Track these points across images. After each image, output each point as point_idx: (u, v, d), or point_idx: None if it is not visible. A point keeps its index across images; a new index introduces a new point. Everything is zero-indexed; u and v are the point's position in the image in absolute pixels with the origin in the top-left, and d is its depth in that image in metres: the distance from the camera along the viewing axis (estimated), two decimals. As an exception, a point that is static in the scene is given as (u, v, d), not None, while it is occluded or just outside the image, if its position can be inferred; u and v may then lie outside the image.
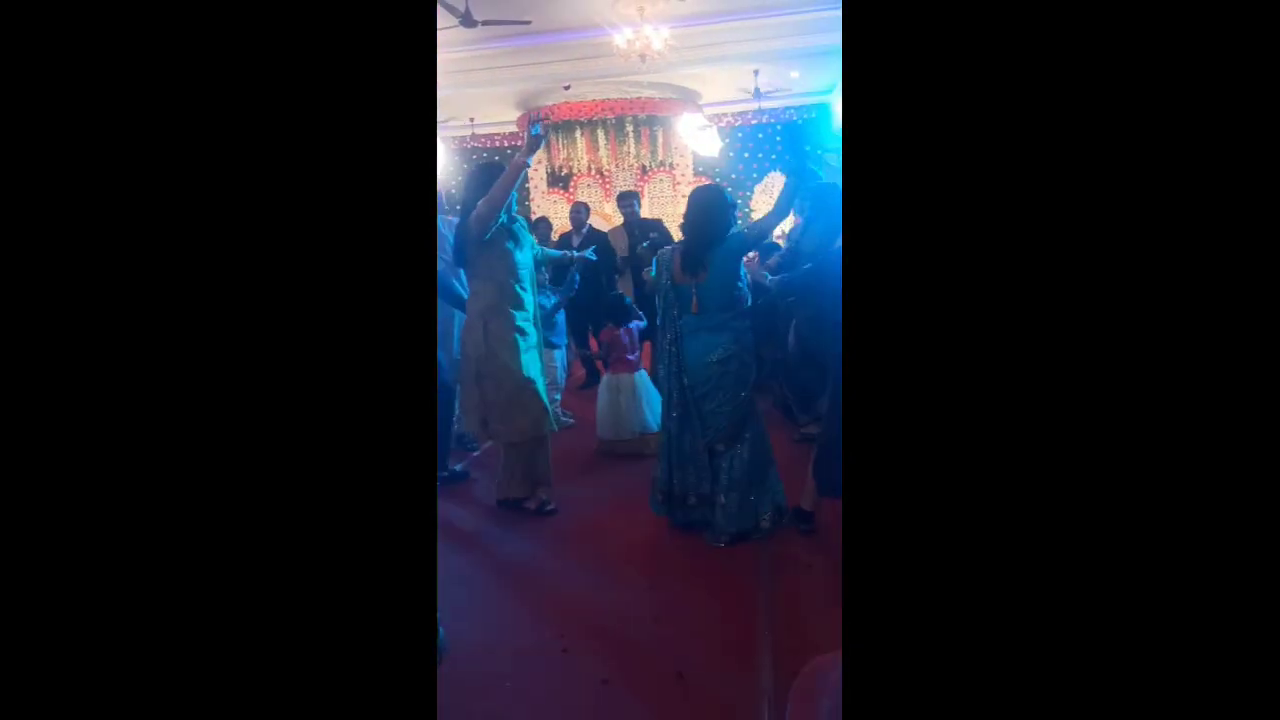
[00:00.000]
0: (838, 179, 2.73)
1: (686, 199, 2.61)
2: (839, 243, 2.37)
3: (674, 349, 2.53)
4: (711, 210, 2.49)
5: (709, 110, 9.40)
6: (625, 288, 4.63)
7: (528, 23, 5.79)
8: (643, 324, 3.85)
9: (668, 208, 9.44)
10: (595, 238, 4.80)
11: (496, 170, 2.71)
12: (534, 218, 5.42)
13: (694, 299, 2.47)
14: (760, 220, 2.55)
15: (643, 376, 3.77)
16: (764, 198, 9.83)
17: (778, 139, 10.29)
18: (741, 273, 2.56)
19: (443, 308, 3.00)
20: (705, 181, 9.58)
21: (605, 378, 3.85)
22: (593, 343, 4.22)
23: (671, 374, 2.55)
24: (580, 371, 5.22)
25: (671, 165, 9.61)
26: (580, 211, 5.11)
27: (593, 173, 9.64)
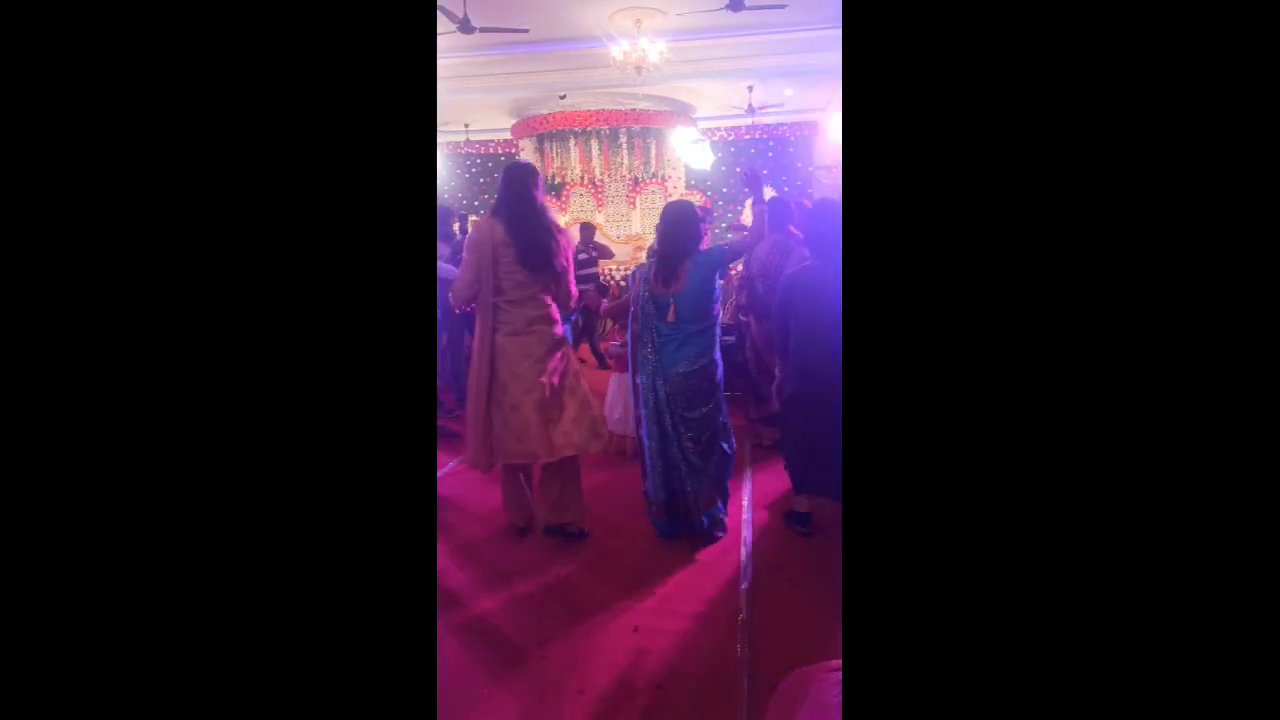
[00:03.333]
0: (830, 194, 2.83)
1: (664, 208, 2.72)
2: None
3: (653, 358, 2.60)
4: (683, 223, 2.59)
5: (702, 124, 9.47)
6: None
7: (525, 31, 5.81)
8: None
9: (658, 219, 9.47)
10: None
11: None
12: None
13: (671, 307, 2.55)
14: (738, 242, 2.65)
15: None
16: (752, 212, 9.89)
17: (769, 154, 10.38)
18: (715, 286, 2.64)
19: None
20: (698, 194, 9.68)
21: (616, 377, 3.86)
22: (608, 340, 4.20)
23: (651, 383, 2.61)
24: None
25: (664, 177, 9.65)
26: (587, 230, 5.15)
27: (585, 182, 9.67)
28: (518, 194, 2.50)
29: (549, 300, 2.57)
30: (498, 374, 2.52)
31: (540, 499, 2.73)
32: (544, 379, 2.52)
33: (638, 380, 2.65)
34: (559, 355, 2.59)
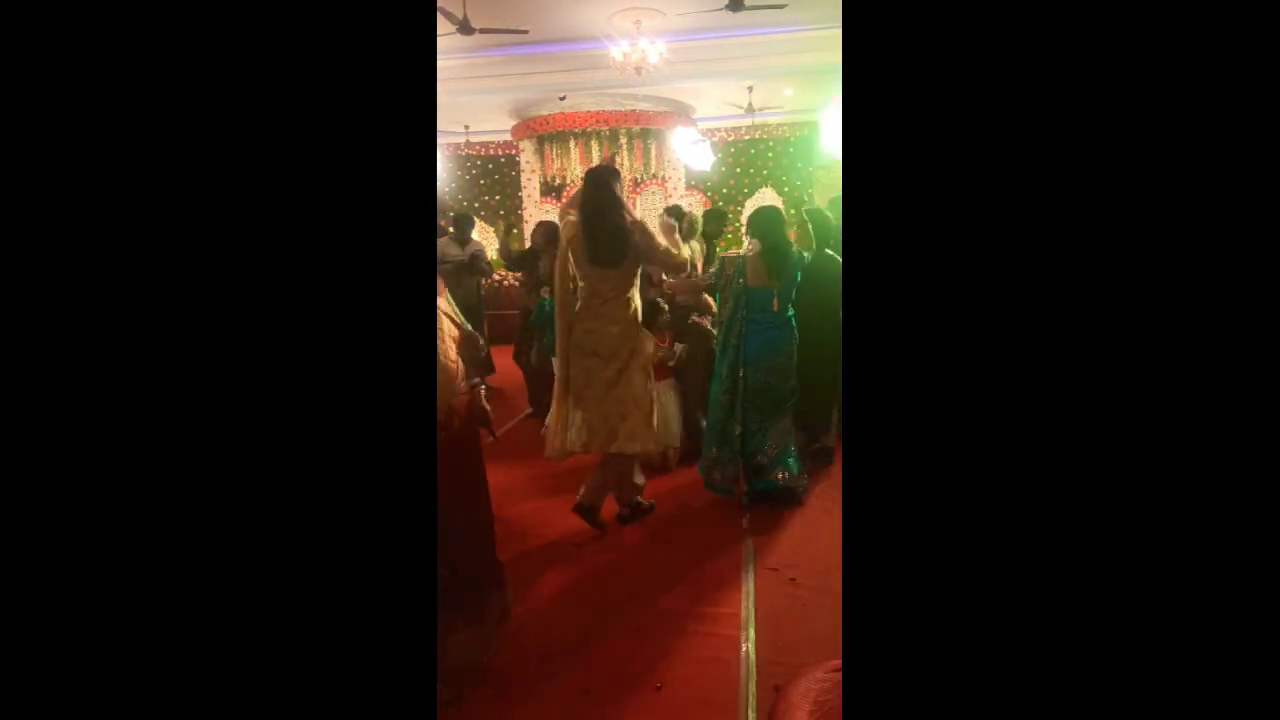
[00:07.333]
0: (832, 194, 2.94)
1: (757, 213, 3.10)
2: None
3: (739, 343, 2.96)
4: (783, 225, 3.02)
5: (702, 124, 9.46)
6: None
7: (525, 32, 5.81)
8: None
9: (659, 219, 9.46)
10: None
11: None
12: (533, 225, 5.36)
13: (775, 299, 2.95)
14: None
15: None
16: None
17: (769, 154, 10.39)
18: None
19: None
20: (698, 195, 9.68)
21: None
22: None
23: (736, 365, 2.95)
24: None
25: (664, 178, 9.64)
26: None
27: (585, 183, 9.65)
28: (593, 192, 2.64)
29: (624, 298, 2.66)
30: (571, 369, 2.70)
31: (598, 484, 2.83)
32: (607, 375, 2.66)
33: (723, 366, 2.97)
34: (627, 353, 2.67)
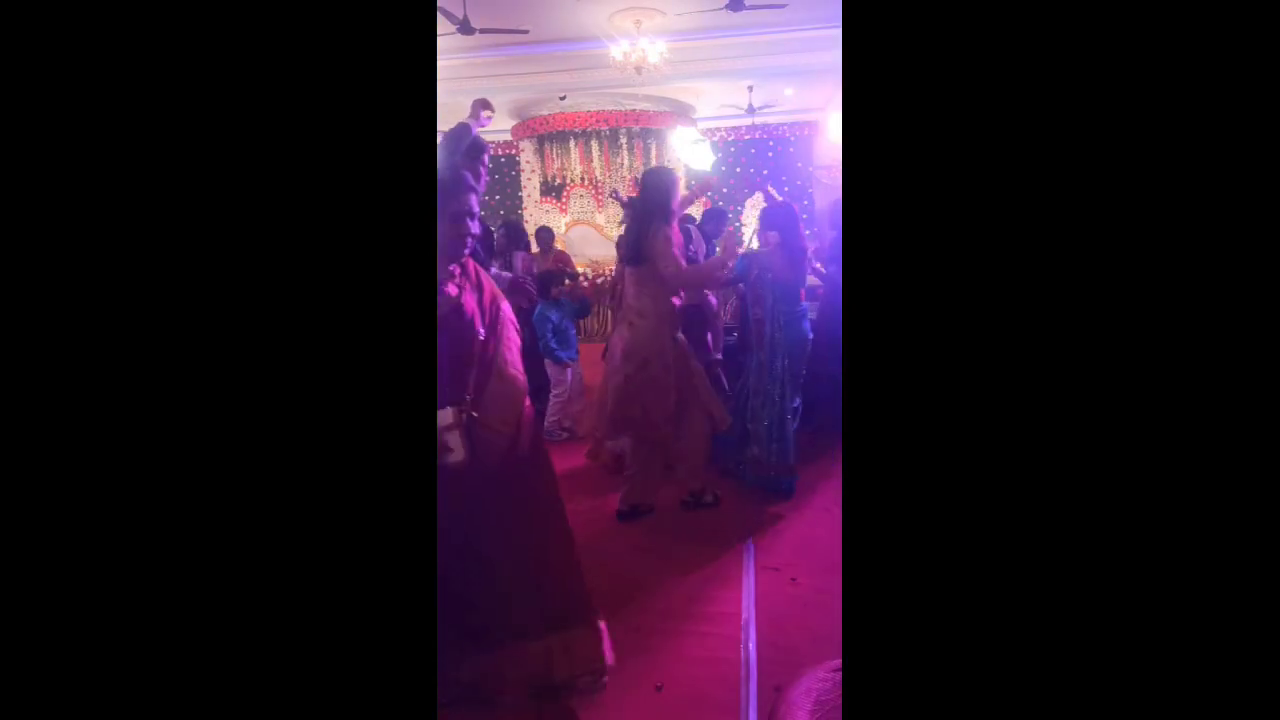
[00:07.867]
0: (830, 194, 3.00)
1: (772, 209, 3.23)
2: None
3: (776, 334, 3.11)
4: (798, 219, 3.16)
5: (702, 124, 9.47)
6: None
7: (525, 31, 5.82)
8: None
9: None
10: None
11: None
12: (536, 227, 5.39)
13: (803, 290, 3.13)
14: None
15: None
16: (753, 212, 9.89)
17: (769, 154, 10.39)
18: None
19: None
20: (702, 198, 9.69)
21: None
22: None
23: (778, 354, 3.10)
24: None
25: (664, 178, 9.65)
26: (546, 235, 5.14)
27: (585, 183, 9.67)
28: (639, 189, 2.87)
29: (644, 301, 2.75)
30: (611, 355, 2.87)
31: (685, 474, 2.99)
32: (626, 371, 2.74)
33: (761, 357, 3.10)
34: (654, 349, 2.72)
